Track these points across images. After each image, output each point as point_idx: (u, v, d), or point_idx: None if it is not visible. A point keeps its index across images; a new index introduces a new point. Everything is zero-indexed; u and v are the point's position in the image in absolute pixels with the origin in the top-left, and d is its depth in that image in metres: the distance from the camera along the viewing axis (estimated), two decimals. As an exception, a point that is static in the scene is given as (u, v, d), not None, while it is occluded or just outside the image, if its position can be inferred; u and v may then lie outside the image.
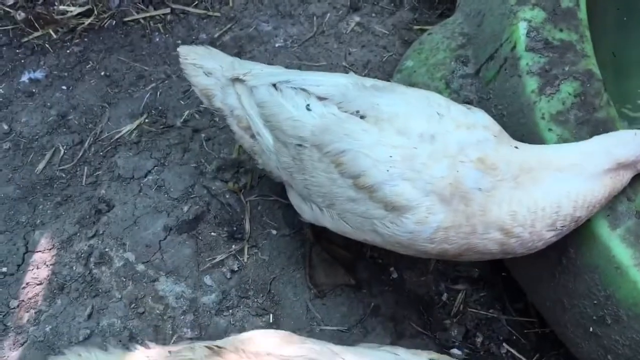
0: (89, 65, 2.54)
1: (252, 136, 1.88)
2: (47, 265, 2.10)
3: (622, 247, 1.50)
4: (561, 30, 1.78)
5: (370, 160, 1.56)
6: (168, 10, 2.67)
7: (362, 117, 1.62)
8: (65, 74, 2.52)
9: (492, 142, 1.57)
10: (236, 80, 1.89)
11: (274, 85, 1.78)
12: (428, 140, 1.55)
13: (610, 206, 1.57)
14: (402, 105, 1.63)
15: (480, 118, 1.64)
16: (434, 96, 1.68)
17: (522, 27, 1.79)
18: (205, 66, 1.97)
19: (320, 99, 1.69)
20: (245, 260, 2.13)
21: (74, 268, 2.10)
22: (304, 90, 1.73)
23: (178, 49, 2.04)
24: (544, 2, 1.82)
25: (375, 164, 1.55)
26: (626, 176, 1.55)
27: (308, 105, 1.69)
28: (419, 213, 1.53)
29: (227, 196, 2.24)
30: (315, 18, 2.63)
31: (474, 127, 1.59)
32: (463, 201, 1.51)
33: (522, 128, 1.75)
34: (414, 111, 1.61)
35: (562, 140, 1.64)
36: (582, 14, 1.81)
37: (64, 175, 2.29)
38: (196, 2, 2.69)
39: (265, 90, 1.79)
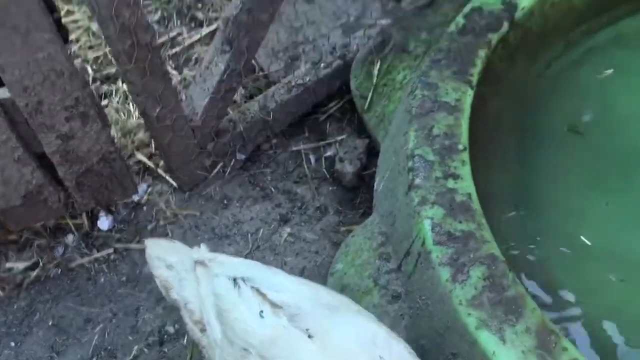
0: (37, 317, 2.60)
1: (202, 330, 1.89)
2: None
3: None
4: (460, 222, 2.00)
5: None
6: (111, 250, 2.82)
7: (310, 336, 1.67)
8: (13, 329, 2.57)
9: None
10: (200, 263, 1.92)
11: (235, 279, 1.81)
12: None
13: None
14: (350, 336, 1.69)
15: None
16: (382, 334, 1.73)
17: (426, 224, 2.00)
18: (167, 260, 2.05)
19: (275, 306, 1.73)
20: None
21: None
22: (261, 292, 1.76)
23: (145, 242, 2.14)
24: (441, 199, 2.06)
25: None
26: None
27: (261, 312, 1.72)
28: None
29: None
30: (249, 235, 2.83)
31: None
32: None
33: (446, 315, 1.88)
34: (359, 347, 1.66)
35: (482, 322, 1.77)
36: (475, 204, 2.05)
37: None
38: (138, 238, 2.87)
39: (224, 283, 1.80)
